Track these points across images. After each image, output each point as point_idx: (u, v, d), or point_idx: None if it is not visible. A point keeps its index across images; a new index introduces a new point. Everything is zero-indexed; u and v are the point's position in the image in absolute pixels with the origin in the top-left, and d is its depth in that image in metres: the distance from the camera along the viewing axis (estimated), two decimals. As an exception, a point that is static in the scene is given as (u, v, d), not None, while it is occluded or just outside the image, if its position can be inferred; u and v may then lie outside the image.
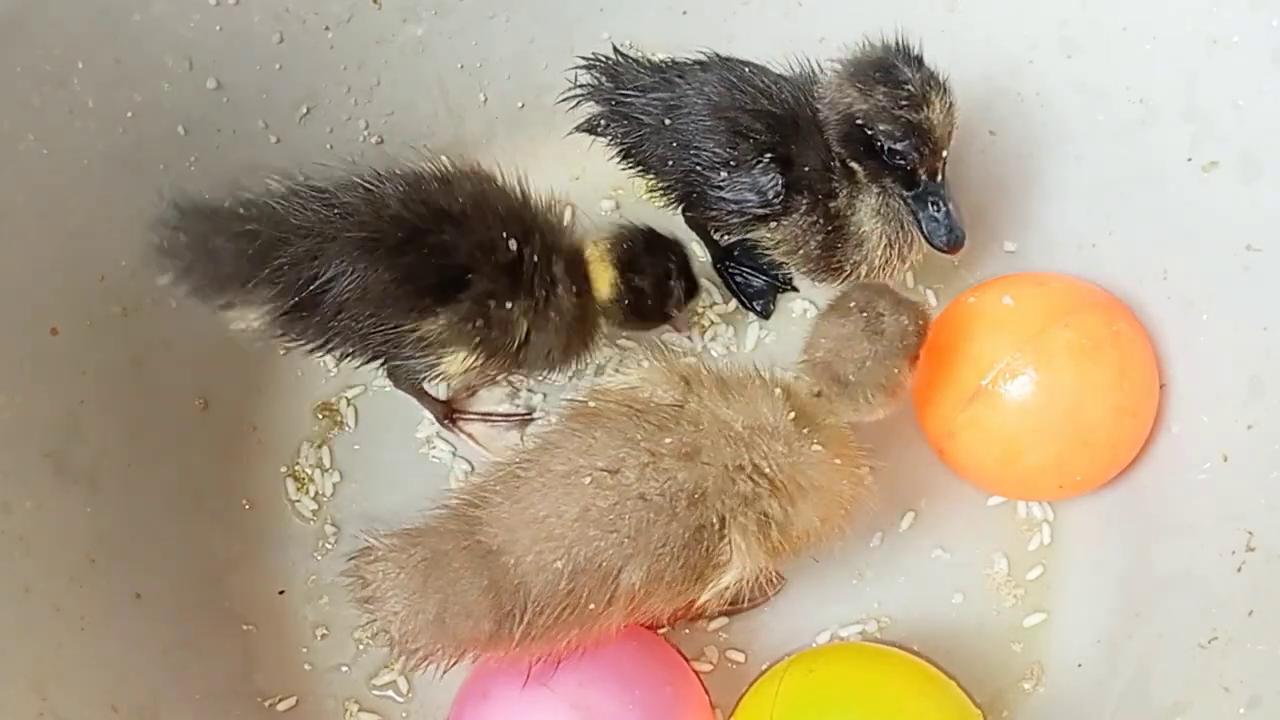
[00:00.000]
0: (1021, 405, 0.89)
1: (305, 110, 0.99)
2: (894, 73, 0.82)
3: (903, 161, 0.83)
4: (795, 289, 1.04)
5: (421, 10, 0.99)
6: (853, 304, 0.82)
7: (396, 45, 1.00)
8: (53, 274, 0.87)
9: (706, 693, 0.90)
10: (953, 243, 0.86)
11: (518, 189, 0.86)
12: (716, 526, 0.76)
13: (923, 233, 0.86)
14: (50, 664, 0.79)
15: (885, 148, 0.83)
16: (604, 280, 0.89)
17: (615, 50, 0.94)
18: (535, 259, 0.84)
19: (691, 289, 0.93)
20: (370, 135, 1.02)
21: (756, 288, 1.04)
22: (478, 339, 0.83)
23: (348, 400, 1.01)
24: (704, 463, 0.76)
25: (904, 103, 0.81)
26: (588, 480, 0.75)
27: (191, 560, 0.93)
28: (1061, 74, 0.95)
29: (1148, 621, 0.90)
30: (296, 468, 0.99)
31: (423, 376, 0.89)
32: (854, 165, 0.87)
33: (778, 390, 0.80)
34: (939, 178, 0.84)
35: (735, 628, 0.95)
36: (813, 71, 0.90)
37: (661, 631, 0.92)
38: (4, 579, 0.79)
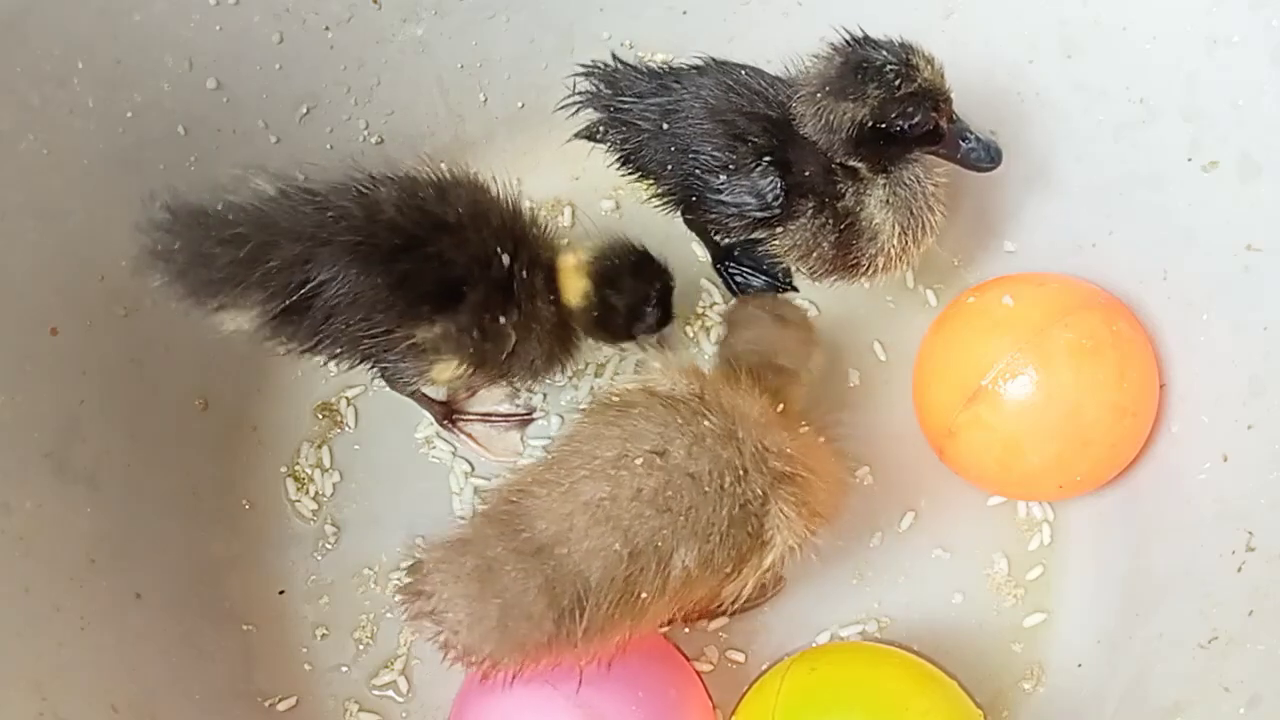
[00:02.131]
0: (1021, 405, 0.89)
1: (305, 110, 0.99)
2: (870, 63, 0.82)
3: (927, 126, 0.84)
4: (795, 289, 1.04)
5: (421, 10, 0.99)
6: (760, 322, 0.89)
7: (396, 45, 0.99)
8: (53, 274, 0.87)
9: (708, 693, 0.90)
10: (995, 157, 0.87)
11: (509, 201, 0.86)
12: (760, 502, 0.78)
13: (970, 166, 0.87)
14: (50, 664, 0.79)
15: (905, 127, 0.83)
16: (572, 290, 0.87)
17: (613, 57, 0.94)
18: (524, 273, 0.84)
19: (664, 321, 0.91)
20: (370, 135, 1.02)
21: (756, 288, 1.04)
22: (471, 349, 0.83)
23: (348, 400, 1.01)
24: (740, 440, 0.78)
25: (899, 82, 0.82)
26: (639, 462, 0.76)
27: (191, 560, 0.93)
28: (1061, 74, 0.95)
29: (1148, 621, 0.90)
30: (296, 468, 0.99)
31: (412, 381, 0.89)
32: (855, 163, 0.87)
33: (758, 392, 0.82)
34: (953, 119, 0.86)
35: (735, 628, 0.95)
36: (808, 73, 0.90)
37: (662, 630, 0.92)
38: (4, 579, 0.79)
